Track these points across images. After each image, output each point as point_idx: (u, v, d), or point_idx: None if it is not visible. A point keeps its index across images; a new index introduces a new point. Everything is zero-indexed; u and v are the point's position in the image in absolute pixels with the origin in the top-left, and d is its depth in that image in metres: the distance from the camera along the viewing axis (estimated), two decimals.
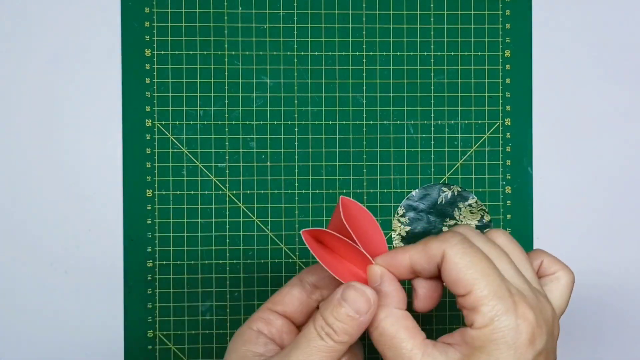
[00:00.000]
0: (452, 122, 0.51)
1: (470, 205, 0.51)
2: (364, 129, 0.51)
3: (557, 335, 0.32)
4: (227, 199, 0.50)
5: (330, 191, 0.51)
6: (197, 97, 0.50)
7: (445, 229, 0.51)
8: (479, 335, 0.29)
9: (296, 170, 0.51)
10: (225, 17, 0.51)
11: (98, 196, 0.50)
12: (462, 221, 0.51)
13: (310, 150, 0.51)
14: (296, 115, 0.51)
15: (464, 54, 0.51)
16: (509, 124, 0.52)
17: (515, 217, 0.51)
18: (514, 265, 0.32)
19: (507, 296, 0.29)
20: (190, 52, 0.50)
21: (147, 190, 0.50)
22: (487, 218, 0.51)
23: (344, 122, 0.51)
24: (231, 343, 0.35)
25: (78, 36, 0.50)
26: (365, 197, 0.51)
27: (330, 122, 0.51)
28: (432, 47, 0.51)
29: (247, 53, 0.51)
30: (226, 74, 0.51)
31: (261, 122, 0.51)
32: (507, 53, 0.51)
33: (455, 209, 0.51)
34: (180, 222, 0.50)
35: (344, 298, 0.30)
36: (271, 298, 0.35)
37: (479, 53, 0.51)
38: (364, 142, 0.51)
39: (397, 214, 0.51)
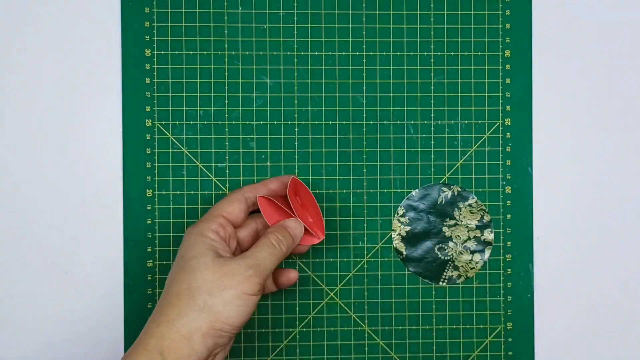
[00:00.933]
0: (452, 122, 0.51)
1: (470, 205, 0.51)
2: (364, 129, 0.51)
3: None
4: None
5: (331, 191, 0.51)
6: (197, 97, 0.50)
7: (445, 229, 0.51)
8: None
9: (296, 170, 0.51)
10: (225, 17, 0.51)
11: (98, 196, 0.50)
12: (462, 221, 0.51)
13: (310, 150, 0.51)
14: (296, 115, 0.51)
15: (464, 54, 0.51)
16: (509, 124, 0.52)
17: (515, 217, 0.51)
18: None
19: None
20: (190, 52, 0.50)
21: (147, 190, 0.50)
22: (487, 218, 0.51)
23: (344, 122, 0.51)
24: (192, 238, 0.43)
25: (78, 36, 0.50)
26: (365, 197, 0.51)
27: (330, 122, 0.51)
28: (432, 47, 0.51)
29: (247, 53, 0.51)
30: (226, 74, 0.51)
31: (261, 122, 0.51)
32: (507, 53, 0.51)
33: (455, 208, 0.51)
34: (180, 222, 0.50)
35: (288, 226, 0.46)
36: (223, 207, 0.45)
37: (479, 53, 0.51)
38: (364, 142, 0.51)
39: (397, 213, 0.51)
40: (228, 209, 0.45)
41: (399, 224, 0.51)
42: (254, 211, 0.48)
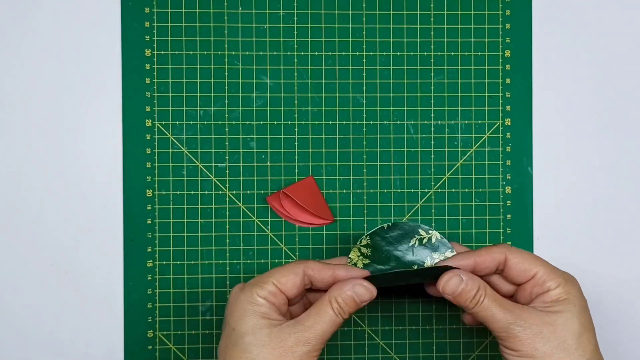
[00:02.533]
0: (452, 122, 0.51)
1: (446, 257, 0.46)
2: (364, 129, 0.51)
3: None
4: (227, 199, 0.50)
5: (331, 191, 0.51)
6: (197, 97, 0.50)
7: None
8: (557, 292, 0.42)
9: (296, 170, 0.51)
10: (225, 17, 0.51)
11: (98, 196, 0.50)
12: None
13: (310, 150, 0.51)
14: (296, 115, 0.51)
15: (464, 54, 0.51)
16: (509, 124, 0.52)
17: (515, 217, 0.51)
18: None
19: (557, 269, 0.43)
20: (190, 52, 0.50)
21: (147, 190, 0.50)
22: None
23: (344, 122, 0.51)
24: (241, 307, 0.41)
25: (78, 36, 0.50)
26: (365, 197, 0.51)
27: (330, 122, 0.51)
28: (432, 47, 0.51)
29: (247, 53, 0.51)
30: (226, 74, 0.51)
31: (261, 122, 0.51)
32: (507, 53, 0.51)
33: (428, 257, 0.47)
34: (181, 222, 0.50)
35: (355, 292, 0.42)
36: (275, 276, 0.42)
37: (479, 53, 0.51)
38: (364, 142, 0.51)
39: (359, 242, 0.47)
40: (281, 279, 0.42)
41: (358, 254, 0.47)
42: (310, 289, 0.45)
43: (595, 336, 0.42)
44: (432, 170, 0.51)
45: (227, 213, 0.50)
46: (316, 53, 0.51)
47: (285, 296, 0.42)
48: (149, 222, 0.50)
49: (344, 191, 0.51)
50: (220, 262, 0.50)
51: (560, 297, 0.42)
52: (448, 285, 0.42)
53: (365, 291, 0.42)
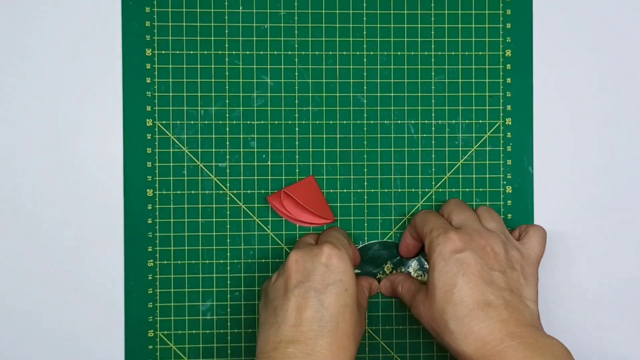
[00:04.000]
0: (453, 121, 0.51)
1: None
2: (365, 128, 0.51)
3: (530, 272, 0.45)
4: (228, 198, 0.50)
5: (332, 191, 0.51)
6: (198, 96, 0.50)
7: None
8: (427, 246, 0.46)
9: (297, 170, 0.51)
10: (226, 17, 0.51)
11: (98, 196, 0.50)
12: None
13: (311, 150, 0.51)
14: (297, 115, 0.51)
15: (464, 54, 0.51)
16: (510, 123, 0.52)
17: (515, 216, 0.51)
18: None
19: (440, 226, 0.45)
20: (191, 52, 0.50)
21: (148, 190, 0.50)
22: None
23: (344, 122, 0.51)
24: (350, 271, 0.44)
25: (79, 36, 0.50)
26: (366, 197, 0.51)
27: (331, 122, 0.51)
28: (432, 46, 0.51)
29: (247, 52, 0.51)
30: (227, 73, 0.50)
31: (262, 122, 0.51)
32: (508, 52, 0.51)
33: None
34: (181, 222, 0.50)
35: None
36: (342, 238, 0.47)
37: (480, 53, 0.51)
38: (365, 142, 0.51)
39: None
40: (344, 240, 0.47)
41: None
42: None
43: (479, 284, 0.42)
44: (433, 169, 0.51)
45: (228, 213, 0.50)
46: (317, 52, 0.51)
47: None
48: (149, 221, 0.50)
49: (345, 191, 0.51)
50: (221, 261, 0.50)
51: (430, 250, 0.45)
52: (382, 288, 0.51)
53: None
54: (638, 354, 0.52)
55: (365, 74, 0.51)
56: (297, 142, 0.51)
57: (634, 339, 0.52)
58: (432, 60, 0.51)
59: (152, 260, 0.50)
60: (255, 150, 0.51)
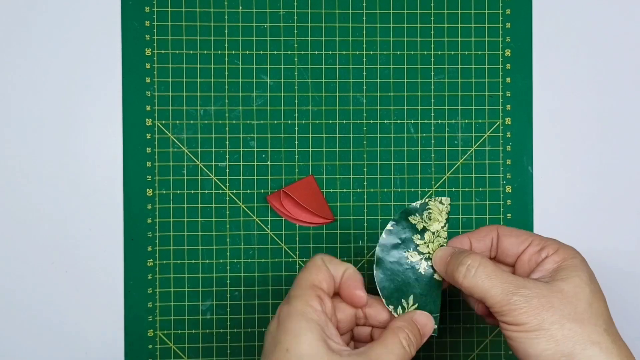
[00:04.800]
0: (453, 121, 0.51)
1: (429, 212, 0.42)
2: (365, 128, 0.51)
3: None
4: (228, 198, 0.50)
5: (331, 190, 0.51)
6: (198, 96, 0.50)
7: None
8: (557, 257, 0.39)
9: (297, 170, 0.51)
10: (226, 17, 0.51)
11: (98, 196, 0.50)
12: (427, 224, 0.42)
13: (310, 149, 0.51)
14: (296, 115, 0.51)
15: (464, 53, 0.51)
16: (509, 123, 0.52)
17: (515, 216, 0.51)
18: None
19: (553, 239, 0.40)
20: (191, 52, 0.50)
21: (148, 190, 0.50)
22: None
23: (344, 122, 0.51)
24: (292, 322, 0.36)
25: (78, 36, 0.50)
26: (365, 196, 0.51)
27: (331, 122, 0.51)
28: (432, 46, 0.51)
29: (247, 52, 0.51)
30: (226, 73, 0.51)
31: (261, 122, 0.51)
32: (508, 52, 0.51)
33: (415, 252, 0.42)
34: (181, 222, 0.50)
35: (419, 322, 0.39)
36: (308, 277, 0.38)
37: (480, 52, 0.51)
38: (365, 142, 0.51)
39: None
40: (316, 277, 0.38)
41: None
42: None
43: (607, 307, 0.38)
44: (433, 169, 0.51)
45: (228, 212, 0.50)
46: (316, 52, 0.51)
47: (328, 297, 0.38)
48: (149, 221, 0.50)
49: (344, 190, 0.51)
50: (221, 261, 0.50)
51: (563, 264, 0.38)
52: (437, 257, 0.40)
53: (427, 319, 0.39)
54: (638, 353, 0.52)
55: (364, 73, 0.51)
56: (296, 142, 0.51)
57: (634, 339, 0.52)
58: (432, 59, 0.51)
59: (151, 260, 0.50)
60: (255, 149, 0.51)
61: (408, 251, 0.41)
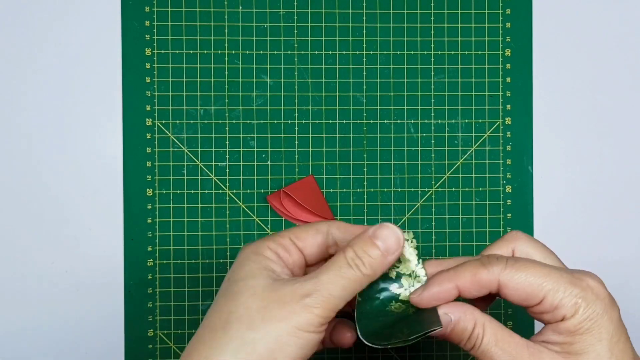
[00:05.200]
0: (453, 121, 0.51)
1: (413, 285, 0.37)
2: (365, 128, 0.51)
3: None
4: (228, 198, 0.50)
5: (331, 190, 0.51)
6: (198, 96, 0.50)
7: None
8: (575, 321, 0.32)
9: (297, 170, 0.51)
10: (226, 16, 0.51)
11: (98, 196, 0.50)
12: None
13: (310, 149, 0.51)
14: (296, 115, 0.51)
15: (464, 53, 0.51)
16: (510, 123, 0.52)
17: (515, 216, 0.51)
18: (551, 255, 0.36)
19: (573, 282, 0.32)
20: (191, 51, 0.50)
21: (148, 190, 0.50)
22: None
23: (344, 121, 0.51)
24: (244, 255, 0.34)
25: (78, 36, 0.50)
26: (365, 196, 0.51)
27: (331, 121, 0.51)
28: (432, 46, 0.51)
29: (247, 52, 0.51)
30: (226, 73, 0.51)
31: (261, 121, 0.51)
32: (508, 52, 0.51)
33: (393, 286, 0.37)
34: (181, 222, 0.50)
35: (376, 236, 0.33)
36: (294, 231, 0.35)
37: (480, 52, 0.51)
38: (364, 141, 0.51)
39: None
40: (300, 234, 0.35)
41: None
42: None
43: None
44: (433, 169, 0.51)
45: (228, 212, 0.50)
46: (316, 52, 0.51)
47: (303, 255, 0.34)
48: (149, 221, 0.50)
49: (344, 190, 0.51)
50: (221, 261, 0.50)
51: (581, 328, 0.32)
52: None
53: (390, 233, 0.33)
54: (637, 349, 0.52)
55: (364, 73, 0.51)
56: (296, 142, 0.51)
57: (636, 337, 0.52)
58: (432, 59, 0.51)
59: (151, 260, 0.50)
60: (255, 149, 0.51)
61: (391, 305, 0.36)
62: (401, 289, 0.36)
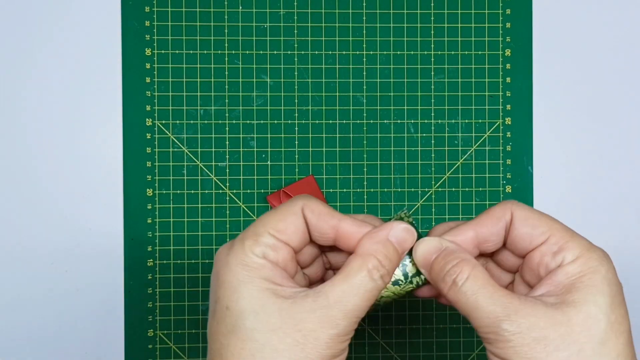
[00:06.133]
0: (453, 121, 0.51)
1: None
2: (365, 128, 0.51)
3: None
4: (228, 198, 0.50)
5: (331, 190, 0.51)
6: (198, 96, 0.50)
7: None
8: (575, 268, 0.29)
9: (297, 170, 0.51)
10: (226, 16, 0.51)
11: (98, 196, 0.50)
12: None
13: (310, 149, 0.51)
14: (296, 115, 0.51)
15: (464, 53, 0.51)
16: (510, 123, 0.52)
17: None
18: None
19: (582, 239, 0.31)
20: (191, 51, 0.50)
21: (148, 190, 0.50)
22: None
23: (344, 122, 0.51)
24: (232, 273, 0.29)
25: (78, 36, 0.50)
26: (365, 196, 0.51)
27: (331, 121, 0.51)
28: (432, 46, 0.51)
29: (247, 52, 0.51)
30: (226, 73, 0.51)
31: (261, 121, 0.51)
32: (508, 52, 0.52)
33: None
34: (181, 222, 0.50)
35: (397, 237, 0.30)
36: (270, 223, 0.30)
37: (480, 52, 0.51)
38: (365, 142, 0.51)
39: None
40: (278, 224, 0.30)
41: None
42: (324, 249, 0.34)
43: (630, 342, 0.30)
44: (433, 169, 0.51)
45: (228, 212, 0.50)
46: (316, 52, 0.51)
47: (290, 248, 0.31)
48: (149, 221, 0.50)
49: (345, 190, 0.51)
50: None
51: (579, 279, 0.29)
52: (419, 252, 0.31)
53: (407, 235, 0.31)
54: (637, 354, 0.52)
55: (364, 73, 0.51)
56: (296, 142, 0.51)
57: (636, 338, 0.52)
58: (432, 59, 0.51)
59: (151, 260, 0.50)
60: (255, 149, 0.51)
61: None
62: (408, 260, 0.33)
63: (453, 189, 0.51)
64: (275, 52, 0.51)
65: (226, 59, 0.51)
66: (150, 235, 0.50)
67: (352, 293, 0.28)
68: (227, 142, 0.50)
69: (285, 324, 0.28)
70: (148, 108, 0.50)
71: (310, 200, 0.31)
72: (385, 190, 0.51)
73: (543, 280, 0.30)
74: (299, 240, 0.31)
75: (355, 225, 0.31)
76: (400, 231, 0.31)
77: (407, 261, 0.32)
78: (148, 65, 0.50)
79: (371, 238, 0.30)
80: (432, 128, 0.51)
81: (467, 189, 0.51)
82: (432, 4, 0.51)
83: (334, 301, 0.28)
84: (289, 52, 0.51)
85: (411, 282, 0.33)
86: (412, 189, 0.51)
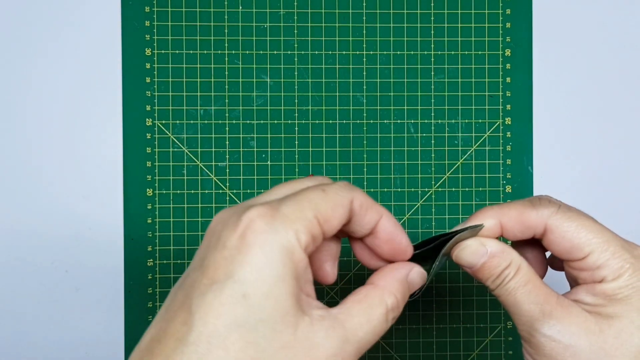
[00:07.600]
0: (453, 121, 0.51)
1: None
2: (365, 128, 0.51)
3: None
4: (228, 198, 0.50)
5: None
6: (198, 96, 0.50)
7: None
8: (615, 287, 0.29)
9: (297, 170, 0.51)
10: (226, 16, 0.51)
11: (98, 196, 0.50)
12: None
13: (310, 149, 0.51)
14: (296, 115, 0.51)
15: (464, 53, 0.51)
16: (510, 123, 0.52)
17: None
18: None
19: (625, 246, 0.30)
20: (191, 51, 0.50)
21: (148, 190, 0.50)
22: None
23: (344, 122, 0.51)
24: (266, 256, 0.25)
25: (78, 36, 0.50)
26: None
27: (331, 121, 0.51)
28: (432, 46, 0.51)
29: (247, 52, 0.51)
30: (226, 73, 0.51)
31: (261, 121, 0.51)
32: (508, 52, 0.52)
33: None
34: (181, 222, 0.50)
35: (412, 281, 0.30)
36: (318, 207, 0.26)
37: (480, 52, 0.51)
38: (365, 142, 0.51)
39: None
40: (327, 213, 0.26)
41: None
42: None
43: None
44: (433, 169, 0.51)
45: None
46: (316, 52, 0.51)
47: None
48: (149, 221, 0.50)
49: None
50: None
51: (619, 293, 0.29)
52: (463, 253, 0.31)
53: (420, 281, 0.30)
54: None
55: (364, 73, 0.51)
56: (296, 142, 0.51)
57: None
58: (432, 59, 0.51)
59: (151, 260, 0.50)
60: (255, 149, 0.51)
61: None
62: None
63: (453, 189, 0.51)
64: (275, 52, 0.51)
65: (226, 59, 0.51)
66: (150, 235, 0.50)
67: (369, 330, 0.27)
68: (227, 142, 0.51)
69: (298, 344, 0.24)
70: (148, 108, 0.50)
71: (356, 192, 0.28)
72: (385, 190, 0.51)
73: (580, 287, 0.31)
74: (332, 233, 0.27)
75: (392, 225, 0.29)
76: (417, 275, 0.30)
77: None
78: (148, 65, 0.50)
79: (392, 272, 0.29)
80: (432, 128, 0.51)
81: (467, 189, 0.51)
82: (432, 4, 0.51)
83: (351, 334, 0.26)
84: (289, 52, 0.51)
85: None
86: (412, 189, 0.51)
